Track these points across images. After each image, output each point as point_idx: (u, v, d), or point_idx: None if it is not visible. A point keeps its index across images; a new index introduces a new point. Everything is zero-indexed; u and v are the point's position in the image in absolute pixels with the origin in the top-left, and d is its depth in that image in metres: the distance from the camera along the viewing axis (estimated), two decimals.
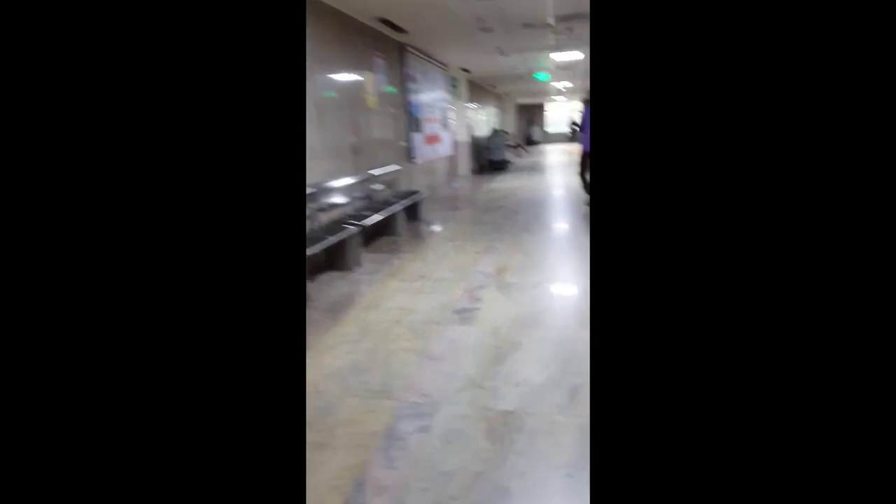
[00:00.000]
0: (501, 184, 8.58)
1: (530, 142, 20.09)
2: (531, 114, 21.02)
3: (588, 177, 5.75)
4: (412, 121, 6.28)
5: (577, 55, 7.64)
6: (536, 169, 10.99)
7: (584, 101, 6.02)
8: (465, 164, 10.32)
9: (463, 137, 10.12)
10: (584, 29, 5.74)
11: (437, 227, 5.06)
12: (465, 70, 9.00)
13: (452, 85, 8.67)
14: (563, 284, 3.08)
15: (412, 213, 5.50)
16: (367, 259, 3.83)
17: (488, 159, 11.09)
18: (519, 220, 5.20)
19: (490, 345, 2.25)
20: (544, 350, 2.17)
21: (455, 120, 9.48)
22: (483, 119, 12.44)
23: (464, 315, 2.63)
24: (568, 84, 12.75)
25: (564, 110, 20.81)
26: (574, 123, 20.60)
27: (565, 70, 9.62)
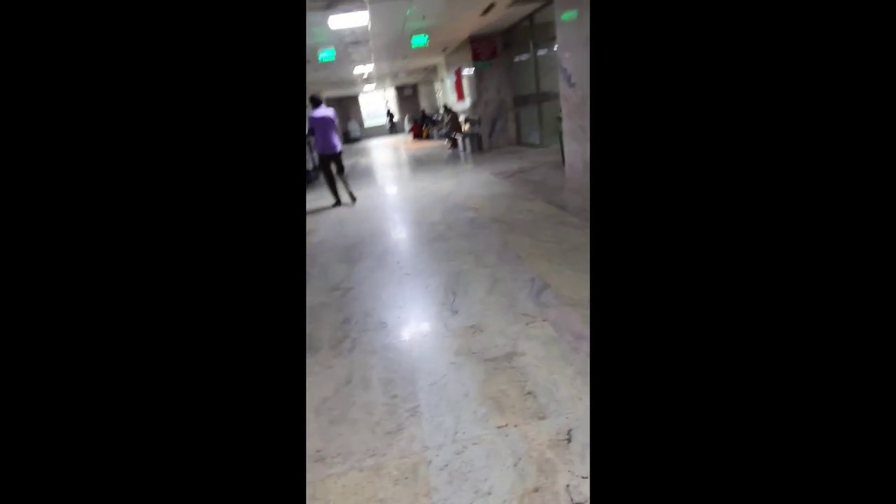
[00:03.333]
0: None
1: (349, 139, 17.70)
2: (345, 108, 18.59)
3: (335, 179, 5.69)
4: None
5: (360, 19, 5.48)
6: (353, 175, 8.60)
7: (312, 99, 5.37)
8: None
9: None
10: None
11: None
12: None
13: None
14: None
15: None
16: None
17: None
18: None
19: None
20: None
21: None
22: None
23: None
24: (369, 67, 10.64)
25: (379, 100, 19.00)
26: (389, 113, 19.10)
27: (356, 45, 7.44)
